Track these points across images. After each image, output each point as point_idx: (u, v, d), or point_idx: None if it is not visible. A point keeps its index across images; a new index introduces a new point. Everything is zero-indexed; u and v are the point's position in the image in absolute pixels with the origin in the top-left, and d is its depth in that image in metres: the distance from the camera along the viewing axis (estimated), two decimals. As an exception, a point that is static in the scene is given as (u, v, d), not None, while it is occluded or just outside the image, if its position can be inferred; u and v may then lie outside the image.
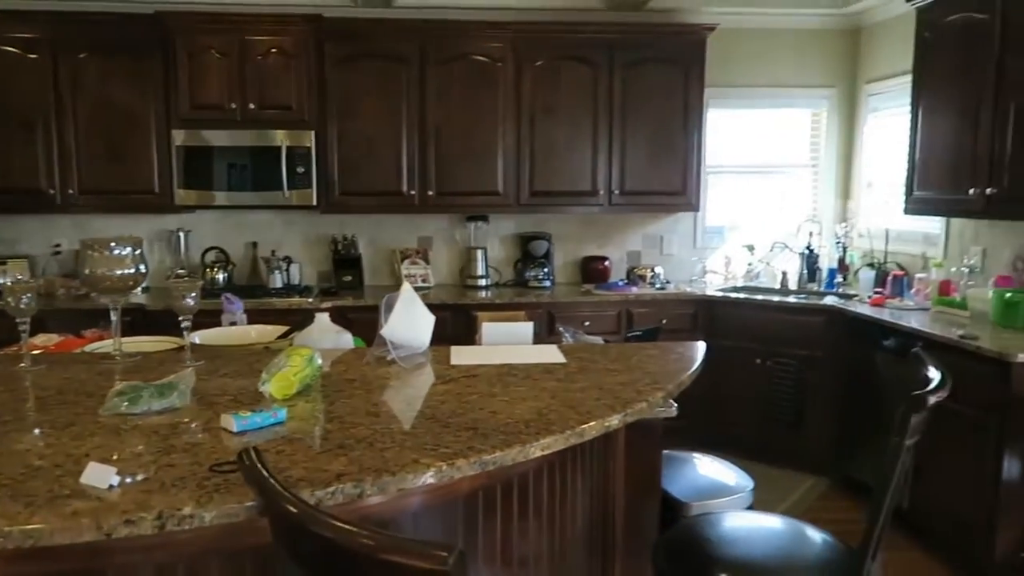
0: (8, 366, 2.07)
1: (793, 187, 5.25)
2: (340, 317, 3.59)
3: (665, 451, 2.78)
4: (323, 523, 0.96)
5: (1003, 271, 3.70)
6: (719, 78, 4.86)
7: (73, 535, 1.11)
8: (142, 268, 2.07)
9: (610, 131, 4.65)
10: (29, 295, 1.99)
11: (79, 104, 4.34)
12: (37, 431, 1.55)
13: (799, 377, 4.26)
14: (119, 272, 1.99)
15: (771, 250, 5.02)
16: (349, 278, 4.72)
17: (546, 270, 4.84)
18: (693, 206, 4.83)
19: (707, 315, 4.57)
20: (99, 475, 1.24)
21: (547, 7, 4.67)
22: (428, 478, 1.33)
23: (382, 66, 4.46)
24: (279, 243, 4.80)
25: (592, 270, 4.95)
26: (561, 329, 2.67)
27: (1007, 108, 3.27)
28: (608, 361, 2.15)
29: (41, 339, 2.55)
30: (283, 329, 2.56)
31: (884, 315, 3.78)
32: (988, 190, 3.39)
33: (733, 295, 4.58)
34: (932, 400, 1.47)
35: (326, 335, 2.29)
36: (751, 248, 5.05)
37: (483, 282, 4.81)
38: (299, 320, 3.03)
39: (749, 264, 5.06)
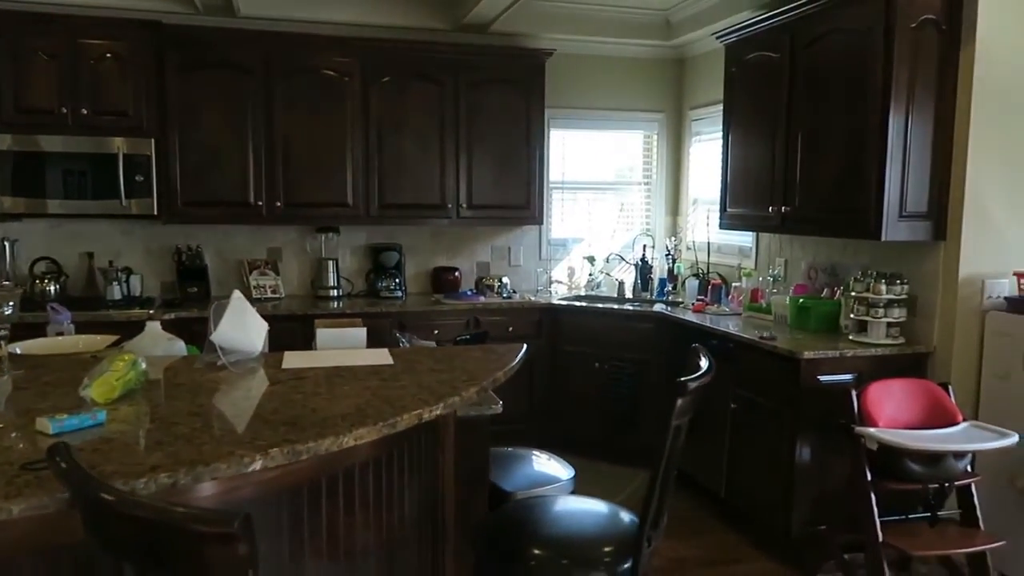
0: None
1: (629, 203, 5.65)
2: (185, 329, 3.56)
3: (504, 448, 2.98)
4: (129, 503, 1.05)
5: (800, 280, 4.18)
6: (560, 100, 5.18)
7: None
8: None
9: (457, 147, 4.84)
10: None
11: None
12: None
13: (633, 379, 4.60)
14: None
15: (608, 261, 5.38)
16: (195, 289, 4.63)
17: (397, 280, 4.95)
18: (537, 219, 5.10)
19: (551, 322, 4.84)
20: (-101, 477, 1.25)
21: (394, 25, 4.82)
22: (242, 467, 1.42)
23: (226, 76, 4.44)
24: (117, 253, 4.64)
25: (443, 280, 5.12)
26: (398, 335, 2.81)
27: (796, 137, 3.74)
28: (433, 362, 2.31)
29: None
30: (113, 338, 2.53)
31: (704, 320, 4.18)
32: (784, 208, 3.84)
33: (576, 303, 4.88)
34: (694, 385, 1.72)
35: (158, 343, 2.31)
36: (592, 259, 5.39)
37: (334, 292, 4.85)
38: (136, 332, 2.99)
39: (590, 274, 5.40)
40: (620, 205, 5.65)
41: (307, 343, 4.00)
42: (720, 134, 4.48)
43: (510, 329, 4.71)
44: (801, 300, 3.86)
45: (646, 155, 5.64)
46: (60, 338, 2.58)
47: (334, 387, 1.98)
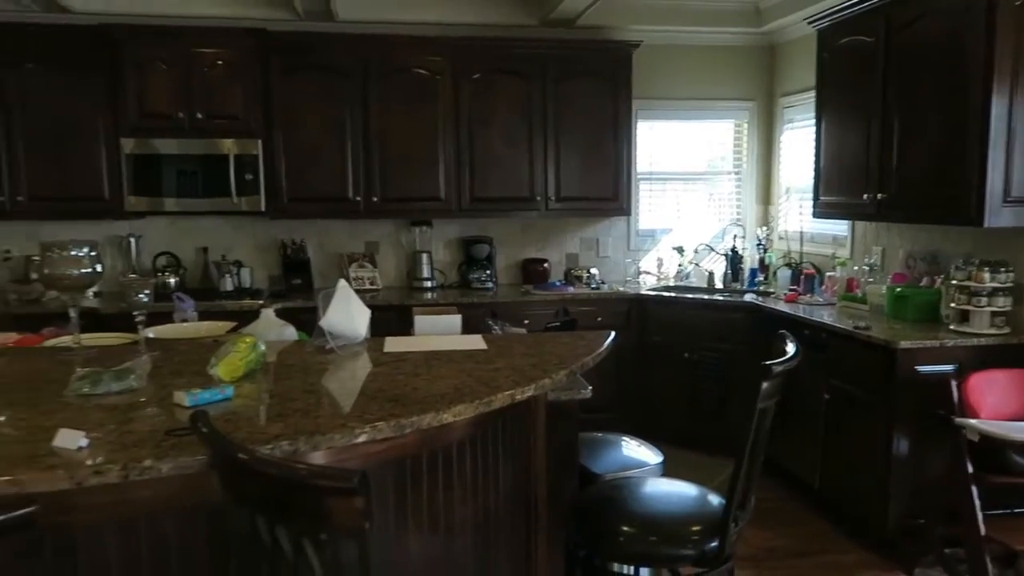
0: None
1: (719, 193, 5.60)
2: (290, 317, 3.79)
3: (593, 433, 3.06)
4: (259, 461, 1.20)
5: (898, 269, 4.07)
6: (647, 91, 5.19)
7: (50, 484, 1.32)
8: (98, 268, 2.26)
9: (545, 141, 4.93)
10: None
11: (26, 114, 4.45)
12: (9, 410, 1.74)
13: (722, 369, 4.58)
14: (77, 271, 2.18)
15: (697, 252, 5.36)
16: (298, 281, 4.90)
17: (488, 272, 5.09)
18: (625, 211, 5.14)
19: (640, 313, 4.88)
20: (70, 438, 1.45)
21: (483, 23, 4.94)
22: (353, 438, 1.56)
23: (326, 78, 4.68)
24: (229, 248, 4.97)
25: (532, 272, 5.23)
26: (491, 322, 2.93)
27: (892, 122, 3.64)
28: (525, 347, 2.41)
29: (0, 337, 2.71)
30: (232, 324, 2.76)
31: (797, 310, 4.13)
32: (879, 196, 3.75)
33: (665, 294, 4.90)
34: (779, 369, 1.76)
35: (271, 328, 2.51)
36: (680, 250, 5.38)
37: (428, 284, 5.04)
38: (247, 320, 3.23)
39: (680, 265, 5.39)
40: (709, 195, 5.61)
41: (403, 332, 4.18)
42: (812, 121, 4.40)
43: (599, 319, 4.77)
44: (899, 289, 3.76)
45: (736, 144, 5.58)
46: (185, 324, 2.82)
47: (432, 369, 2.12)
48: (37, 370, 2.13)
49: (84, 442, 1.46)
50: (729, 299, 4.74)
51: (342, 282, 2.37)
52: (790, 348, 1.88)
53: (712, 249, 5.36)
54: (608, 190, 5.05)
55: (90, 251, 2.23)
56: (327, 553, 1.13)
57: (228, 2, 4.69)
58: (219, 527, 1.67)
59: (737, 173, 5.59)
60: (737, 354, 4.52)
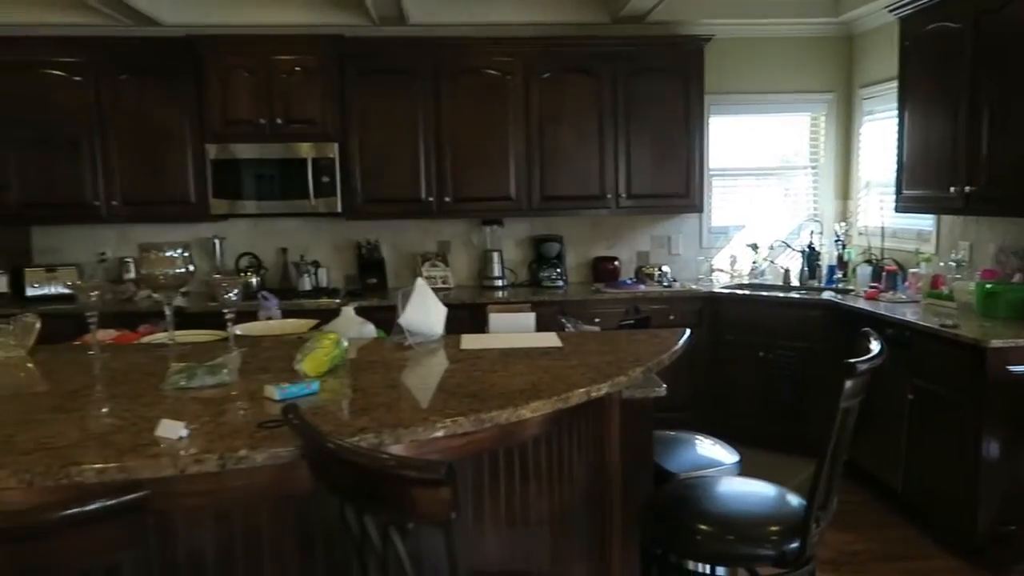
0: (78, 354, 2.39)
1: (794, 188, 5.47)
2: (367, 316, 3.90)
3: (666, 432, 3.04)
4: (348, 451, 1.25)
5: (988, 264, 3.90)
6: (720, 85, 5.12)
7: (154, 471, 1.41)
8: (190, 268, 2.38)
9: (615, 138, 4.91)
10: (96, 292, 2.30)
11: (120, 122, 4.69)
12: (113, 401, 1.85)
13: (799, 368, 4.48)
14: (171, 271, 2.30)
15: (772, 248, 5.25)
16: (373, 280, 5.02)
17: (559, 270, 5.11)
18: (697, 208, 5.08)
19: (713, 311, 4.81)
20: (171, 428, 1.54)
21: (553, 22, 4.96)
22: (434, 431, 1.61)
23: (398, 81, 4.77)
24: (307, 248, 5.13)
25: (603, 270, 5.22)
26: (563, 320, 2.94)
27: (981, 111, 3.49)
28: (599, 345, 2.42)
29: (100, 334, 2.87)
30: (314, 322, 2.86)
31: (878, 308, 4.00)
32: (967, 188, 3.61)
33: (738, 291, 4.82)
34: (864, 367, 1.72)
35: (351, 326, 2.58)
36: (755, 247, 5.28)
37: (499, 283, 5.09)
38: (325, 318, 3.33)
39: (754, 262, 5.29)
40: (784, 191, 5.49)
41: (476, 330, 4.24)
42: (894, 112, 4.25)
43: (671, 317, 4.73)
44: (989, 285, 3.61)
45: (813, 138, 5.43)
46: (270, 321, 2.94)
47: (509, 365, 2.15)
48: (137, 364, 2.25)
49: (184, 432, 1.54)
50: (806, 296, 4.63)
51: (420, 280, 2.43)
52: (874, 346, 1.83)
53: (788, 246, 5.24)
54: (680, 187, 4.99)
55: (183, 252, 2.35)
56: (413, 542, 1.17)
57: (306, 11, 4.84)
58: (307, 516, 1.74)
59: (814, 167, 5.45)
60: (815, 353, 4.41)
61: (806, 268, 5.06)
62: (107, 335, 2.87)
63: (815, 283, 5.01)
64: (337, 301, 4.59)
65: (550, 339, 2.49)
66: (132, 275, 4.98)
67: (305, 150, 4.69)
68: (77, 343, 2.78)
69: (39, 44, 4.61)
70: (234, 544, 1.69)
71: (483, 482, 1.95)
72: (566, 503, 2.23)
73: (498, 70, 4.81)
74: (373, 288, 4.99)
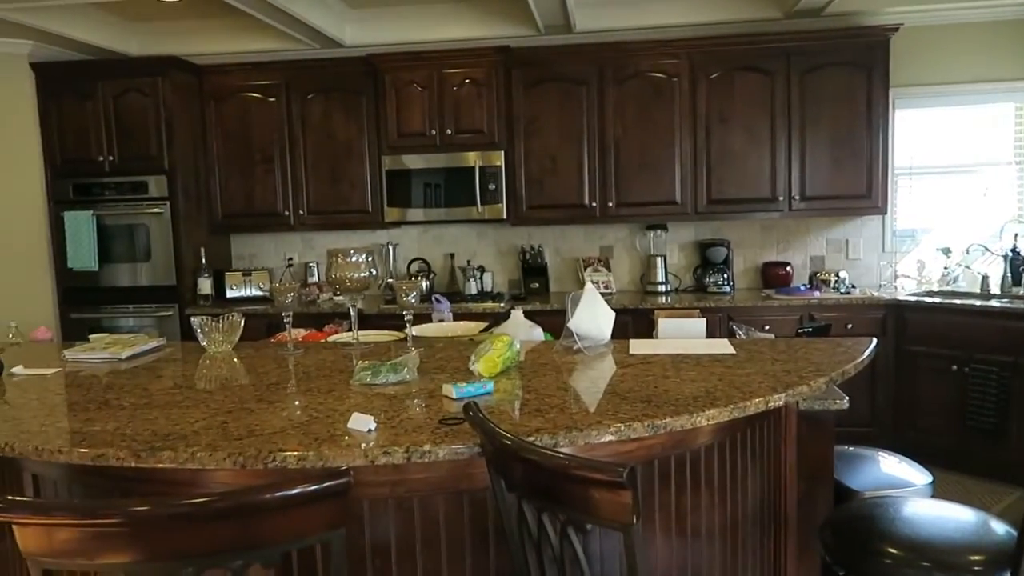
0: (275, 351, 2.61)
1: (995, 186, 4.97)
2: (529, 320, 4.01)
3: (846, 447, 2.87)
4: (529, 449, 1.28)
5: None
6: (906, 77, 4.76)
7: (347, 460, 1.51)
8: (373, 272, 2.53)
9: (788, 137, 4.70)
10: (292, 294, 2.50)
11: (307, 138, 5.08)
12: (308, 395, 2.01)
13: (1002, 384, 4.06)
14: (357, 275, 2.46)
15: (968, 253, 4.80)
16: (536, 285, 5.11)
17: (725, 276, 4.95)
18: (880, 209, 4.74)
19: (897, 320, 4.47)
20: (361, 421, 1.65)
21: (722, 21, 4.82)
22: (608, 435, 1.61)
23: (564, 88, 4.83)
24: (473, 253, 5.30)
25: (773, 275, 4.99)
26: (734, 327, 2.85)
27: None
28: (775, 353, 2.32)
29: (292, 332, 3.12)
30: (484, 325, 2.95)
31: (1099, 319, 3.55)
32: None
33: (927, 299, 4.44)
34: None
35: (520, 329, 2.64)
36: (947, 251, 4.85)
37: (663, 288, 5.00)
38: (490, 322, 3.44)
39: (945, 268, 4.86)
40: (983, 189, 4.99)
41: (639, 335, 4.21)
42: (1121, 97, 3.76)
43: (848, 326, 4.44)
44: None
45: (1018, 130, 4.91)
46: (442, 324, 3.06)
47: (681, 371, 2.11)
48: (326, 361, 2.43)
49: (373, 425, 1.65)
50: (1010, 305, 4.18)
51: (589, 285, 2.44)
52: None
53: (987, 249, 4.76)
54: (860, 187, 4.68)
55: (367, 257, 2.50)
56: (592, 544, 1.18)
57: (475, 25, 5.01)
58: (482, 511, 1.80)
59: (1019, 163, 4.92)
60: (1020, 368, 3.98)
61: (1009, 274, 4.58)
62: (298, 334, 3.11)
63: (1020, 291, 4.52)
64: (502, 305, 4.71)
65: (723, 345, 2.41)
66: (315, 279, 5.38)
67: (472, 159, 4.86)
68: (273, 340, 3.04)
69: (240, 70, 5.09)
70: (414, 533, 1.78)
71: (652, 489, 1.92)
72: (738, 515, 2.16)
73: (664, 72, 4.74)
74: (536, 292, 5.08)
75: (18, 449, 1.63)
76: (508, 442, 1.33)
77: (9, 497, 1.10)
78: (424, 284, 5.14)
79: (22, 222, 4.91)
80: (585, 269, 5.14)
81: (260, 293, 5.22)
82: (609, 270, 5.15)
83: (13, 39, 4.68)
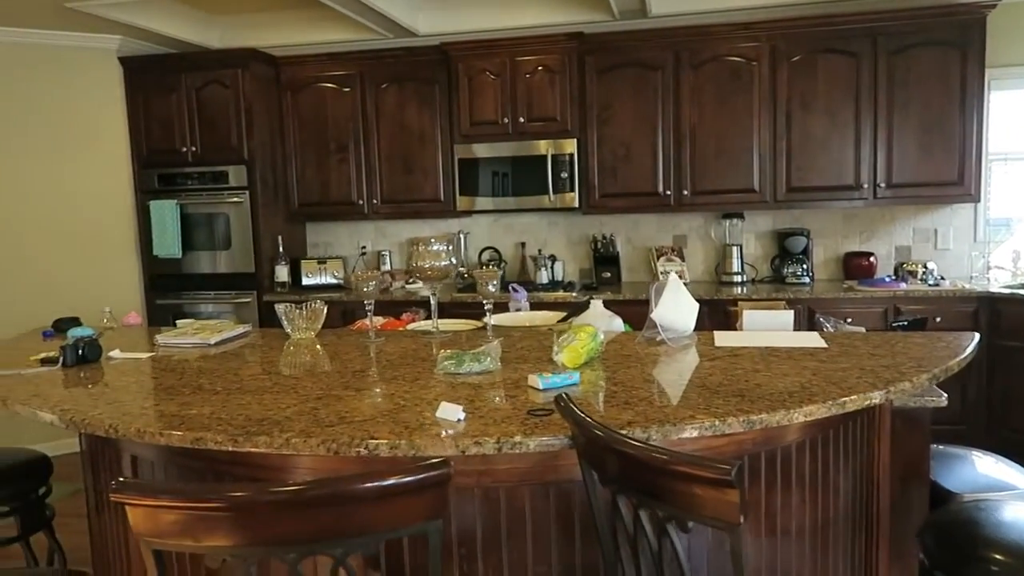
0: (357, 338, 2.64)
1: (1099, 172, 4.67)
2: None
3: (941, 446, 2.74)
4: (628, 443, 1.24)
5: None
6: (1005, 57, 4.50)
7: (439, 449, 1.51)
8: (452, 260, 2.53)
9: (874, 122, 4.51)
10: (373, 283, 2.52)
11: (381, 127, 5.13)
12: (394, 383, 2.02)
13: (1105, 383, 3.83)
14: (438, 263, 2.46)
15: (1070, 242, 4.53)
16: (608, 274, 5.05)
17: (804, 266, 4.79)
18: (973, 196, 4.51)
19: (991, 314, 4.26)
20: (450, 411, 1.64)
21: (804, 1, 4.64)
22: (702, 430, 1.56)
23: (638, 74, 4.74)
24: (544, 242, 5.27)
25: (855, 266, 4.81)
26: (821, 319, 2.75)
27: None
28: (871, 347, 2.22)
29: (405, 319, 3.16)
30: (562, 315, 2.92)
31: None
32: None
33: (1023, 292, 4.22)
34: None
35: (600, 319, 2.60)
36: (1046, 241, 4.59)
37: (738, 278, 4.88)
38: (565, 312, 3.40)
39: (1044, 259, 4.60)
40: (1086, 175, 4.70)
41: (715, 326, 4.11)
42: None
43: (937, 320, 4.25)
44: None
45: None
46: (520, 313, 3.05)
47: (771, 365, 2.04)
48: (408, 349, 2.44)
49: (462, 415, 1.64)
50: (1116, 299, 3.93)
51: (673, 275, 2.39)
52: None
53: (1090, 239, 4.49)
54: (951, 173, 4.46)
55: (448, 246, 2.50)
56: (693, 542, 1.14)
57: (548, 11, 4.96)
58: (567, 503, 1.78)
59: None
60: None
61: (1115, 266, 4.31)
62: (376, 322, 3.14)
63: None
64: (574, 294, 4.68)
65: (813, 339, 2.33)
66: (388, 267, 5.44)
67: (544, 147, 4.82)
68: (352, 328, 3.08)
69: (316, 61, 5.17)
70: (499, 524, 1.77)
71: (742, 484, 1.87)
72: (828, 514, 2.08)
73: (743, 56, 4.61)
74: (607, 282, 5.02)
75: (121, 431, 1.68)
76: (602, 434, 1.30)
77: (122, 479, 1.13)
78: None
79: (111, 212, 5.11)
80: (658, 259, 5.06)
81: (334, 281, 5.31)
82: (683, 260, 5.06)
83: (103, 34, 4.85)
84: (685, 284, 4.84)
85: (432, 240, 2.48)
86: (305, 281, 5.32)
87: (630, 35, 4.75)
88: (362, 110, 5.15)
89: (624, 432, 1.54)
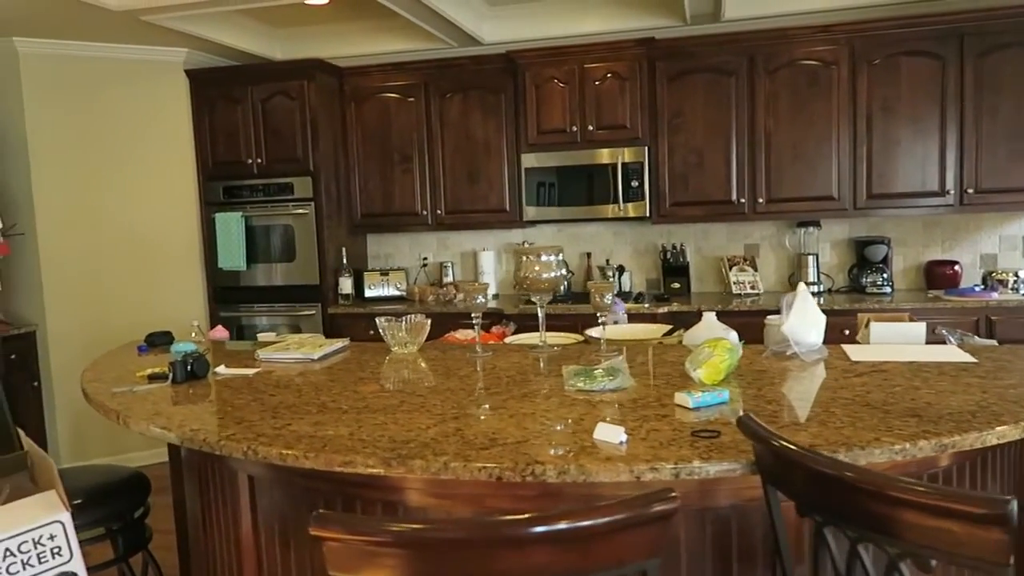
0: (462, 353, 2.56)
1: None
2: (669, 321, 3.85)
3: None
4: (843, 468, 1.14)
5: None
6: (1098, 57, 4.32)
7: (611, 475, 1.41)
8: (562, 272, 2.44)
9: (960, 126, 4.35)
10: (480, 296, 2.44)
11: (446, 137, 5.07)
12: (526, 400, 1.92)
13: None
14: (549, 275, 2.37)
15: None
16: (677, 285, 4.93)
17: (885, 275, 4.64)
18: (1066, 203, 4.33)
19: (1088, 324, 4.07)
20: (611, 433, 1.54)
21: (885, 3, 4.51)
22: (891, 454, 1.45)
23: (710, 80, 4.63)
24: (611, 252, 5.17)
25: (938, 275, 4.65)
26: (944, 332, 2.61)
27: None
28: (1026, 362, 2.09)
29: (459, 334, 3.07)
30: (666, 328, 2.81)
31: None
32: None
33: (1122, 302, 4.03)
34: None
35: (713, 332, 2.49)
36: None
37: (815, 288, 4.73)
38: (679, 325, 3.26)
39: None
40: None
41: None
42: None
43: (1034, 330, 4.08)
44: None
45: None
46: (619, 325, 2.94)
47: (928, 382, 1.91)
48: (518, 364, 2.35)
49: (624, 437, 1.54)
50: None
51: (802, 286, 2.27)
52: None
53: None
54: (1043, 179, 4.29)
55: (557, 257, 2.41)
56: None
57: (618, 17, 4.88)
58: (724, 530, 1.67)
59: None
60: None
61: None
62: (466, 335, 3.05)
63: None
64: (646, 305, 4.56)
65: (955, 353, 2.20)
66: (450, 278, 5.36)
67: (612, 155, 4.72)
68: (443, 341, 2.99)
69: (379, 71, 5.13)
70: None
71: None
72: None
73: (820, 60, 4.48)
74: (676, 292, 4.90)
75: (261, 454, 1.60)
76: (814, 462, 1.19)
77: (322, 512, 1.04)
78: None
79: (178, 223, 5.10)
80: (730, 269, 4.93)
81: (397, 292, 5.25)
82: (756, 269, 4.92)
83: (170, 47, 4.85)
84: (758, 295, 4.75)
85: (541, 251, 2.39)
86: (368, 293, 5.26)
87: (702, 40, 4.64)
88: (426, 120, 5.10)
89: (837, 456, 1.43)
